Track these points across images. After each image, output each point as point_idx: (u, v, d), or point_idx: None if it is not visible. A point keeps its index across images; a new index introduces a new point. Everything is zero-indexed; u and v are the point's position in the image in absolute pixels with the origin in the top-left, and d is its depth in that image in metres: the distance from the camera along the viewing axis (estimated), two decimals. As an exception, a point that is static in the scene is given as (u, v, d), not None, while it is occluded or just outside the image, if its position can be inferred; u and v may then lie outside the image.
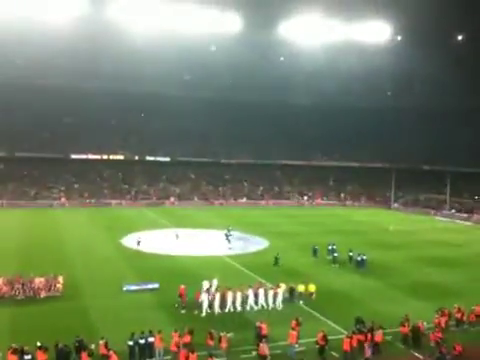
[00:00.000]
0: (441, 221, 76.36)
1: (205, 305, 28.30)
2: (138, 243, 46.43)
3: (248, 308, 28.99)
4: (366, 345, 22.93)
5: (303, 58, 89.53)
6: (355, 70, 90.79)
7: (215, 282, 30.59)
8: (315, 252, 44.95)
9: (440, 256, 47.09)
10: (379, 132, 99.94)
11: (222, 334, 23.09)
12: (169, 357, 22.47)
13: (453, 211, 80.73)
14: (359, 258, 40.99)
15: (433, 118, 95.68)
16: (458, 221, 75.48)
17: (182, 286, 29.61)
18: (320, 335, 23.35)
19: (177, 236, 50.47)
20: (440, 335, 24.12)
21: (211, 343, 22.94)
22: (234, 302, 28.82)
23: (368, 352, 22.65)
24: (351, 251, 42.79)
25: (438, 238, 58.87)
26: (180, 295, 29.16)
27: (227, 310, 28.61)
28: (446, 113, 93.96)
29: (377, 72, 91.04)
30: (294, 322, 24.55)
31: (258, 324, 24.52)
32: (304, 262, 42.70)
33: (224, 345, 22.89)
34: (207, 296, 28.52)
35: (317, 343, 23.27)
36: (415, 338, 24.65)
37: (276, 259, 40.60)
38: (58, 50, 78.42)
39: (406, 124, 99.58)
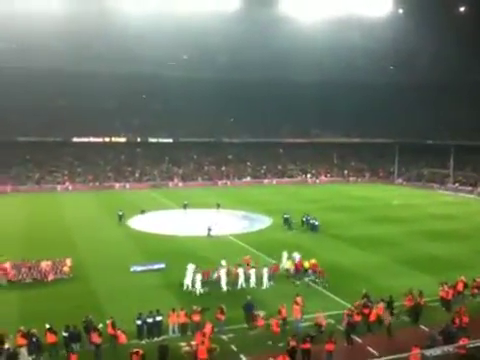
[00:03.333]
0: (445, 195, 76.36)
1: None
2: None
3: (224, 288, 29.05)
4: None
5: (304, 34, 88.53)
6: (357, 45, 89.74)
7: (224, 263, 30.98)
8: (286, 221, 47.62)
9: (444, 229, 47.18)
10: (382, 107, 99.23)
11: (257, 313, 23.46)
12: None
13: (457, 185, 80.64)
14: (316, 222, 45.87)
15: (436, 92, 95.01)
16: (462, 194, 75.43)
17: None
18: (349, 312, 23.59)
19: (143, 212, 53.53)
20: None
21: (221, 317, 23.30)
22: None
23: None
24: (304, 216, 47.53)
25: (442, 212, 58.87)
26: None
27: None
28: (448, 86, 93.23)
29: (379, 47, 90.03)
30: (299, 298, 24.71)
31: (249, 297, 25.10)
32: (302, 237, 43.82)
33: (261, 323, 23.12)
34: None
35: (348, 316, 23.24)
36: (416, 312, 24.73)
37: (209, 230, 43.35)
38: (57, 33, 77.46)
39: (409, 99, 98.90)
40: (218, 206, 56.28)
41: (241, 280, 29.32)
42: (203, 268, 29.94)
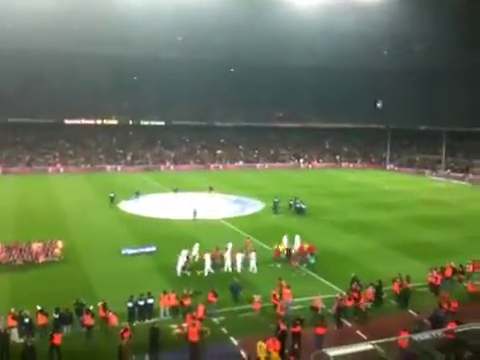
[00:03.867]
0: (436, 181, 76.74)
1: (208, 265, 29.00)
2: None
3: (206, 272, 29.01)
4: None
5: (299, 18, 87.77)
6: (351, 30, 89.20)
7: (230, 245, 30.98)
8: (276, 205, 47.67)
9: (435, 215, 47.52)
10: (374, 93, 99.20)
11: (255, 296, 23.57)
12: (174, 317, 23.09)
13: (448, 171, 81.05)
14: (303, 206, 46.77)
15: (429, 77, 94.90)
16: (453, 181, 75.85)
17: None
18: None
19: (137, 194, 53.13)
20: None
21: (214, 300, 23.46)
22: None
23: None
24: (291, 200, 48.45)
25: (433, 198, 59.25)
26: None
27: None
28: (442, 72, 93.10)
29: (373, 32, 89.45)
30: (283, 282, 24.79)
31: (236, 279, 25.27)
32: (291, 220, 43.98)
33: (257, 306, 23.31)
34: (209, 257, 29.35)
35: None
36: (405, 297, 24.96)
37: (194, 213, 43.35)
38: (49, 14, 76.45)
39: (401, 84, 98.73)
40: (210, 189, 56.22)
41: (227, 263, 29.44)
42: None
